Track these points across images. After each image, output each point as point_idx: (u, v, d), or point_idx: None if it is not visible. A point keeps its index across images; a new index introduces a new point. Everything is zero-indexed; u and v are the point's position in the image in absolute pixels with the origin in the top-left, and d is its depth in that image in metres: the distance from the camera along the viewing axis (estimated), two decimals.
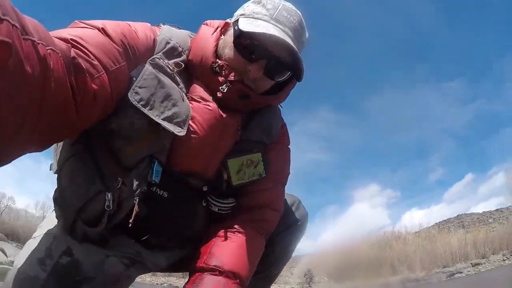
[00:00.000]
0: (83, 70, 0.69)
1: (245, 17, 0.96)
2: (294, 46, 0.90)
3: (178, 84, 0.93)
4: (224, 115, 0.97)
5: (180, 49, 0.98)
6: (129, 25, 0.90)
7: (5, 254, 5.79)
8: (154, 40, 0.94)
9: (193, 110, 0.94)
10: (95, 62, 0.73)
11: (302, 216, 1.24)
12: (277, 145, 1.12)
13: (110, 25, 0.83)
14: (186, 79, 0.98)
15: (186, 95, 0.96)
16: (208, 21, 1.05)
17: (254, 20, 0.94)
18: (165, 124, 0.85)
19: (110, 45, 0.79)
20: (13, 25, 0.48)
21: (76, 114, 0.68)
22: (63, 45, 0.66)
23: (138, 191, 0.87)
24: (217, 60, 0.96)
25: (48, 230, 0.95)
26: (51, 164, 1.02)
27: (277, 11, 0.94)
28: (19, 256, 0.94)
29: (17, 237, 14.48)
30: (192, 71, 0.99)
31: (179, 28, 1.05)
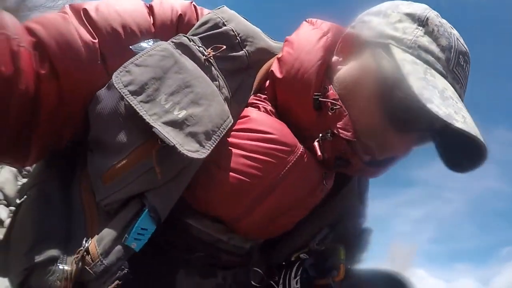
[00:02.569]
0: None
1: (404, 50, 0.57)
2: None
3: (213, 79, 0.59)
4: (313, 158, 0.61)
5: (237, 40, 0.62)
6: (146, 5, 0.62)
7: None
8: (187, 18, 0.62)
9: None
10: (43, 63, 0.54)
11: None
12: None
13: (102, 4, 0.59)
14: (242, 87, 0.63)
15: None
16: (311, 19, 0.67)
17: (425, 68, 0.56)
18: (163, 131, 0.50)
19: (76, 37, 0.55)
20: None
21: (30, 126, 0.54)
22: (27, 37, 0.53)
23: (111, 272, 0.51)
24: (326, 88, 0.61)
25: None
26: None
27: (455, 55, 0.58)
28: None
29: None
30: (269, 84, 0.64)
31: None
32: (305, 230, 0.67)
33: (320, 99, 0.60)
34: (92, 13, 0.57)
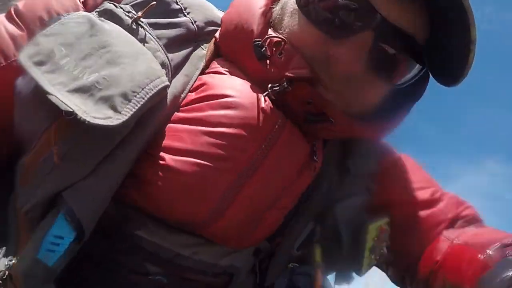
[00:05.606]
0: None
1: None
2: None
3: (143, 42, 0.49)
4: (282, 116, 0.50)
5: (177, 6, 0.54)
6: None
7: None
8: None
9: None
10: None
11: None
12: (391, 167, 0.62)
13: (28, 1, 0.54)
14: (192, 58, 0.53)
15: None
16: None
17: None
18: (64, 98, 0.40)
19: (3, 34, 0.52)
20: None
21: None
22: None
23: None
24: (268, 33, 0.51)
25: None
26: None
27: None
28: None
29: None
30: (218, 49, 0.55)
31: None
32: (295, 229, 0.55)
33: (258, 43, 0.49)
34: (20, 7, 0.53)
